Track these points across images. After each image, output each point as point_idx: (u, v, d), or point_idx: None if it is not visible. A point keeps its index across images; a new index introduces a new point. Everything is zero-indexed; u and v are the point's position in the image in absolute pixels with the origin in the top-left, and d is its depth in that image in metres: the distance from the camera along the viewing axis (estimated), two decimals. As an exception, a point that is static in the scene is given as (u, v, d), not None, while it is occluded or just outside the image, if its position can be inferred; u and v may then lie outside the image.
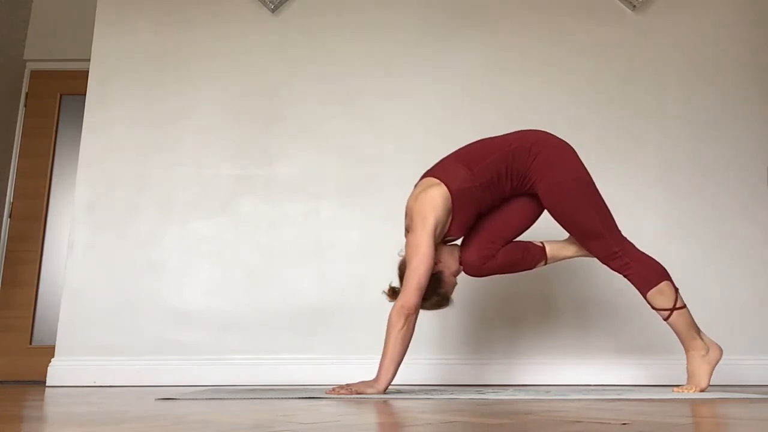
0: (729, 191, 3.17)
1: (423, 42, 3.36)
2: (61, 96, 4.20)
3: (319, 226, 3.15)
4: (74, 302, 3.03)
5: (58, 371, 2.94)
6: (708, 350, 2.20)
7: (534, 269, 2.33)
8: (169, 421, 1.14)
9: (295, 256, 3.11)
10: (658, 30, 3.36)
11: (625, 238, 2.21)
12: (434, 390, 2.28)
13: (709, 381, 2.18)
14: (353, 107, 3.28)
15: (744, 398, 1.82)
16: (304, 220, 3.16)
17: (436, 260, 2.12)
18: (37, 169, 4.10)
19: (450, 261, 2.23)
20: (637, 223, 3.06)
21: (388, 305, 2.12)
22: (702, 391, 2.15)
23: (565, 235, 2.31)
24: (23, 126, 4.16)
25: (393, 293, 2.20)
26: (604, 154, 3.17)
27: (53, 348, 3.01)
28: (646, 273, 2.18)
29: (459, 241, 2.32)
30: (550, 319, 3.04)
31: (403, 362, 2.07)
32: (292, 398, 1.83)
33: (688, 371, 2.21)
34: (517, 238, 2.30)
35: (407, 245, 2.14)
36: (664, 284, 2.17)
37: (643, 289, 2.19)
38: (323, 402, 1.67)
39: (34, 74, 4.23)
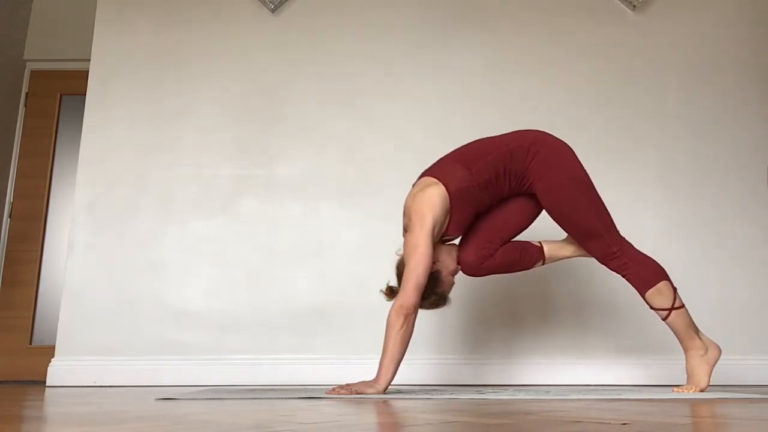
0: (729, 191, 3.17)
1: (423, 42, 3.36)
2: (61, 96, 4.20)
3: (319, 226, 3.15)
4: (74, 302, 3.03)
5: (58, 371, 2.94)
6: (707, 350, 2.20)
7: (532, 269, 2.34)
8: (169, 421, 1.14)
9: (295, 256, 3.11)
10: (658, 30, 3.36)
11: (624, 238, 2.21)
12: (434, 390, 2.28)
13: (709, 381, 2.18)
14: (353, 107, 3.29)
15: (744, 398, 1.82)
16: (304, 220, 3.16)
17: (434, 260, 2.12)
18: (37, 169, 4.10)
19: (448, 260, 2.23)
20: (637, 223, 3.06)
21: (388, 305, 2.13)
22: (702, 390, 2.15)
23: (564, 235, 2.31)
24: (23, 126, 4.16)
25: (391, 292, 2.20)
26: (604, 154, 3.17)
27: (53, 348, 3.01)
28: (645, 273, 2.18)
29: (457, 241, 2.33)
30: (549, 319, 3.04)
31: (402, 362, 2.08)
32: (292, 398, 1.83)
33: (687, 371, 2.21)
34: (516, 238, 2.30)
35: (405, 245, 2.14)
36: (662, 284, 2.18)
37: (642, 289, 2.19)
38: (323, 402, 1.67)
39: (34, 74, 4.23)
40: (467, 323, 3.04)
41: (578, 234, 2.21)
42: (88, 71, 3.33)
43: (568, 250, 2.30)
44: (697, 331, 2.21)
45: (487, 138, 2.29)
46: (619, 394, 1.93)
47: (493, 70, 3.33)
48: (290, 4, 3.42)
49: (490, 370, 2.96)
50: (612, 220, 2.21)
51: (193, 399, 1.78)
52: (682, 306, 2.19)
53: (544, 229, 2.37)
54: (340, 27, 3.38)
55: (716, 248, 3.11)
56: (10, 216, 4.06)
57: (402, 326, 2.03)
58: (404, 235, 2.20)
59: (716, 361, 2.20)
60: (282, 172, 3.22)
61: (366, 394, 1.98)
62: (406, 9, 3.41)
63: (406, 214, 2.19)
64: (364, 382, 2.06)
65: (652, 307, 2.21)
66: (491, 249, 2.22)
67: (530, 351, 3.00)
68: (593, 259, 2.27)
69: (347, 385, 2.05)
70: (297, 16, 3.40)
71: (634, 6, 3.36)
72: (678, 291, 2.21)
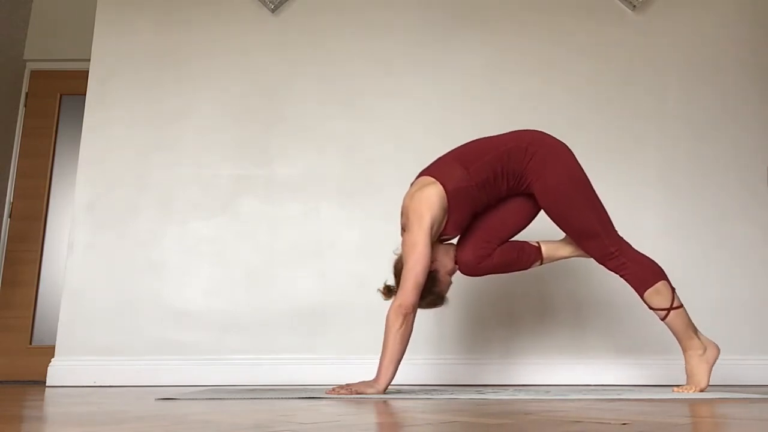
0: (729, 191, 3.17)
1: (423, 42, 3.36)
2: (61, 96, 4.20)
3: (319, 226, 3.15)
4: (74, 302, 3.03)
5: (58, 371, 2.94)
6: (705, 349, 2.20)
7: (529, 269, 2.34)
8: (169, 421, 1.14)
9: (295, 256, 3.11)
10: (658, 30, 3.36)
11: (622, 238, 2.21)
12: (434, 390, 2.28)
13: (709, 380, 2.18)
14: (353, 107, 3.29)
15: (744, 398, 1.82)
16: (304, 220, 3.16)
17: (431, 259, 2.12)
18: (37, 169, 4.10)
19: (445, 260, 2.23)
20: (637, 223, 3.06)
21: (387, 305, 2.12)
22: (702, 390, 2.15)
23: (561, 235, 2.31)
24: (23, 126, 4.16)
25: (388, 291, 2.21)
26: (604, 154, 3.18)
27: (53, 348, 3.01)
28: (643, 273, 2.18)
29: (455, 241, 2.33)
30: (548, 319, 3.04)
31: (401, 362, 2.08)
32: (292, 398, 1.83)
33: (686, 371, 2.21)
34: (514, 238, 2.30)
35: (404, 244, 2.14)
36: (660, 284, 2.17)
37: (640, 289, 2.19)
38: (323, 402, 1.67)
39: (34, 74, 4.23)
40: (465, 323, 3.04)
41: (576, 234, 2.21)
42: (88, 71, 3.33)
43: (566, 250, 2.30)
44: (695, 330, 2.21)
45: (485, 138, 2.29)
46: (619, 394, 1.93)
47: (493, 70, 3.33)
48: (290, 4, 3.42)
49: (488, 370, 2.96)
50: (610, 219, 2.21)
51: (193, 399, 1.78)
52: (681, 306, 2.19)
53: (542, 230, 2.37)
54: (340, 27, 3.39)
55: (716, 248, 3.11)
56: (10, 216, 4.06)
57: (401, 326, 2.03)
58: (402, 235, 2.20)
59: (715, 361, 2.20)
60: (282, 172, 3.22)
61: (366, 394, 1.98)
62: (406, 9, 3.41)
63: (404, 214, 2.19)
64: (364, 382, 2.06)
65: (650, 307, 2.21)
66: (489, 249, 2.22)
67: (528, 351, 3.00)
68: (591, 259, 2.27)
69: (347, 385, 2.05)
70: (297, 16, 3.40)
71: (634, 6, 3.36)
72: (676, 291, 2.21)
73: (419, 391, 2.22)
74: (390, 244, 2.39)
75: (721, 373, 2.62)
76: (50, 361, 2.98)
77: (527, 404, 1.53)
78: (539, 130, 2.30)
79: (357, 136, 3.25)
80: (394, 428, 1.08)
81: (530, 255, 2.28)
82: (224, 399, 1.78)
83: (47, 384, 2.93)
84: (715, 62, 3.32)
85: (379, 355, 2.07)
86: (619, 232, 2.23)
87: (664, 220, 3.14)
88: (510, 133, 2.28)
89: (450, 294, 2.31)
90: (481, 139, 2.29)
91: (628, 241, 2.24)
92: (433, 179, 2.16)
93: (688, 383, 2.20)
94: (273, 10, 3.39)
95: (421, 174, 2.25)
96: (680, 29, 3.36)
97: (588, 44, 3.34)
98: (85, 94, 3.31)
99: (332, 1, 3.42)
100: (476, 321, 3.04)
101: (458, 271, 2.28)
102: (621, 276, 2.21)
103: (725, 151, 3.21)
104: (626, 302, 2.80)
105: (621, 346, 2.99)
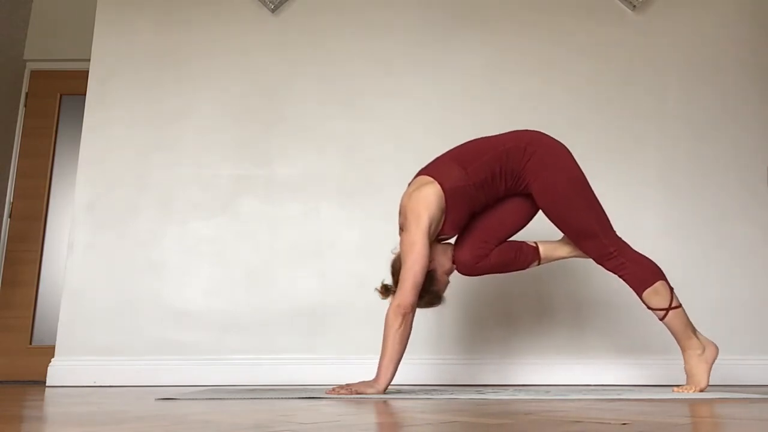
0: (729, 191, 3.17)
1: (423, 42, 3.36)
2: (61, 96, 4.20)
3: (319, 226, 3.15)
4: (74, 302, 3.03)
5: (58, 371, 2.94)
6: (704, 349, 2.20)
7: (527, 269, 2.34)
8: (169, 421, 1.14)
9: (295, 256, 3.11)
10: (658, 30, 3.36)
11: (620, 238, 2.21)
12: (434, 390, 2.28)
13: (708, 380, 2.18)
14: (353, 107, 3.29)
15: (744, 398, 1.82)
16: (304, 220, 3.16)
17: (429, 258, 2.12)
18: (37, 169, 4.10)
19: (443, 259, 2.23)
20: (637, 223, 3.06)
21: (387, 305, 2.12)
22: (702, 390, 2.15)
23: (559, 235, 2.31)
24: (23, 126, 4.16)
25: (385, 290, 2.21)
26: (604, 154, 3.18)
27: (53, 348, 3.01)
28: (642, 273, 2.18)
29: (452, 240, 2.33)
30: (546, 319, 3.04)
31: (401, 362, 2.08)
32: (292, 398, 1.83)
33: (686, 371, 2.21)
34: (511, 238, 2.30)
35: (402, 243, 2.15)
36: (659, 284, 2.17)
37: (639, 289, 2.19)
38: (323, 402, 1.67)
39: (34, 74, 4.23)
40: (464, 323, 3.04)
41: (575, 234, 2.21)
42: (88, 71, 3.33)
43: (564, 250, 2.30)
44: (694, 330, 2.21)
45: (483, 138, 2.29)
46: (619, 394, 1.93)
47: (493, 70, 3.33)
48: (290, 4, 3.42)
49: (487, 370, 2.96)
50: (608, 220, 2.20)
51: (193, 399, 1.78)
52: (680, 306, 2.19)
53: (540, 230, 2.37)
54: (340, 27, 3.38)
55: (716, 248, 3.11)
56: (10, 216, 4.06)
57: (400, 325, 2.03)
58: (400, 234, 2.20)
59: (714, 360, 2.20)
60: (282, 172, 3.22)
61: (366, 394, 1.98)
62: (406, 9, 3.41)
63: (402, 213, 2.19)
64: (364, 382, 2.06)
65: (649, 307, 2.21)
66: (487, 249, 2.22)
67: (527, 351, 3.00)
68: (590, 259, 2.27)
69: (347, 385, 2.06)
70: (297, 16, 3.40)
71: (634, 6, 3.36)
72: (675, 291, 2.21)
73: (419, 391, 2.22)
74: (390, 244, 2.39)
75: (721, 373, 2.62)
76: (50, 361, 2.98)
77: (527, 404, 1.53)
78: (538, 130, 2.30)
79: (357, 136, 3.25)
80: (394, 428, 1.08)
81: (528, 255, 2.28)
82: (224, 399, 1.78)
83: (47, 384, 2.93)
84: (715, 62, 3.32)
85: (379, 355, 2.07)
86: (619, 232, 2.23)
87: (664, 220, 3.14)
88: (509, 133, 2.28)
89: (448, 294, 2.31)
90: (479, 138, 2.29)
91: (628, 240, 2.24)
92: (430, 179, 2.16)
93: (687, 383, 2.20)
94: (273, 10, 3.39)
95: (419, 173, 2.25)
96: (680, 29, 3.36)
97: (588, 44, 3.34)
98: (85, 94, 3.31)
99: (332, 1, 3.42)
100: (475, 321, 3.04)
101: (456, 271, 2.28)
102: (619, 276, 2.21)
103: (725, 151, 3.21)
104: (625, 302, 2.80)
105: (620, 346, 2.99)
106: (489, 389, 2.35)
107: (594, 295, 3.03)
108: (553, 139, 2.25)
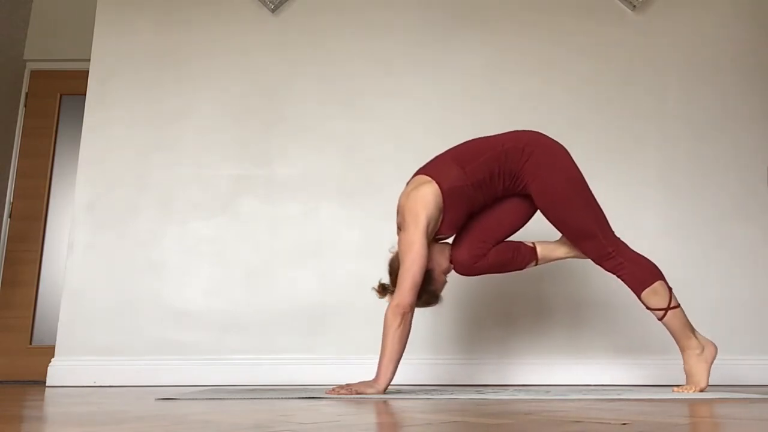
0: (729, 191, 3.17)
1: (423, 42, 3.36)
2: (61, 96, 4.20)
3: (319, 226, 3.15)
4: (74, 302, 3.03)
5: (58, 371, 2.94)
6: (703, 349, 2.20)
7: (525, 269, 2.33)
8: (169, 421, 1.14)
9: (295, 256, 3.11)
10: (658, 30, 3.36)
11: (618, 238, 2.21)
12: (434, 390, 2.28)
13: (708, 379, 2.18)
14: (353, 107, 3.29)
15: (744, 398, 1.82)
16: (304, 220, 3.16)
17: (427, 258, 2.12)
18: (37, 169, 4.10)
19: (441, 259, 2.23)
20: (637, 223, 3.06)
21: (387, 305, 2.12)
22: (702, 390, 2.15)
23: (557, 235, 2.31)
24: (23, 126, 4.16)
25: (382, 289, 2.21)
26: (604, 154, 3.18)
27: (53, 348, 3.01)
28: (641, 273, 2.18)
29: (450, 240, 2.33)
30: (545, 319, 3.04)
31: (401, 362, 2.08)
32: (292, 398, 1.83)
33: (685, 371, 2.21)
34: (509, 238, 2.30)
35: (400, 243, 2.15)
36: (658, 284, 2.18)
37: (638, 289, 2.19)
38: (323, 402, 1.67)
39: (34, 74, 4.23)
40: (462, 323, 3.04)
41: (573, 234, 2.21)
42: (88, 71, 3.33)
43: (562, 251, 2.30)
44: (693, 330, 2.21)
45: (482, 137, 2.29)
46: (618, 394, 1.93)
47: (493, 70, 3.33)
48: (290, 4, 3.42)
49: (485, 371, 2.96)
50: (607, 220, 2.21)
51: (193, 399, 1.78)
52: (678, 306, 2.20)
53: (538, 230, 2.37)
54: (340, 27, 3.38)
55: (716, 248, 3.11)
56: (10, 216, 4.06)
57: (399, 325, 2.03)
58: (398, 234, 2.20)
59: (713, 360, 2.21)
60: (282, 172, 3.22)
61: (366, 394, 1.98)
62: (406, 9, 3.41)
63: (400, 213, 2.19)
64: (364, 382, 2.06)
65: (648, 307, 2.22)
66: (484, 249, 2.22)
67: (526, 351, 3.00)
68: (588, 259, 2.27)
69: (347, 385, 2.06)
70: (297, 16, 3.40)
71: (634, 6, 3.36)
72: (674, 290, 2.21)
73: (419, 391, 2.22)
74: (390, 243, 2.39)
75: (721, 373, 2.62)
76: (50, 361, 2.98)
77: (527, 404, 1.53)
78: (536, 130, 2.30)
79: (357, 136, 3.25)
80: (394, 428, 1.08)
81: (525, 255, 2.28)
82: (224, 399, 1.78)
83: (47, 384, 2.93)
84: (715, 62, 3.32)
85: (379, 355, 2.07)
86: (619, 232, 2.23)
87: (664, 220, 3.14)
88: (507, 133, 2.28)
89: (447, 294, 2.31)
90: (478, 138, 2.29)
91: (628, 240, 2.24)
92: (428, 178, 2.16)
93: (687, 383, 2.20)
94: (273, 10, 3.39)
95: (417, 173, 2.25)
96: (680, 29, 3.36)
97: (588, 44, 3.34)
98: (85, 94, 3.31)
99: (332, 1, 3.42)
100: (474, 321, 3.04)
101: (453, 271, 2.28)
102: (618, 276, 2.21)
103: (725, 151, 3.21)
104: (623, 302, 2.80)
105: (619, 346, 2.98)
106: (489, 389, 2.35)
107: (593, 295, 3.03)
108: (552, 139, 2.25)
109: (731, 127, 3.24)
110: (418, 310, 2.16)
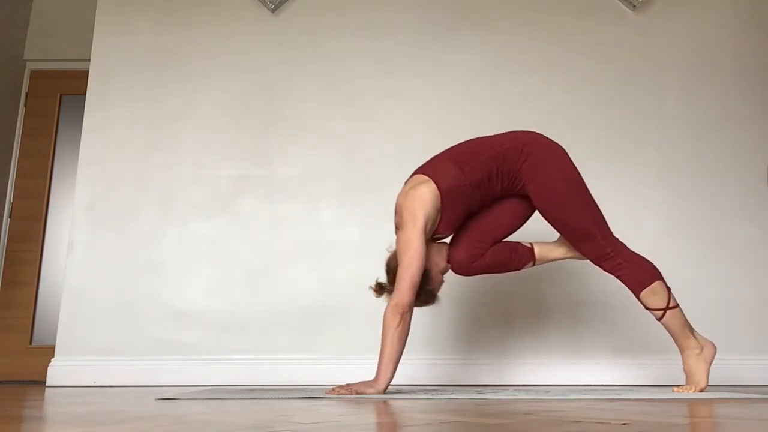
0: (729, 191, 3.17)
1: (423, 42, 3.36)
2: (61, 96, 4.20)
3: (319, 226, 3.15)
4: (74, 302, 3.03)
5: (58, 371, 2.94)
6: (702, 348, 2.20)
7: (522, 270, 2.33)
8: (169, 421, 1.14)
9: (295, 256, 3.11)
10: (658, 30, 3.36)
11: (617, 239, 2.21)
12: (434, 390, 2.28)
13: (708, 379, 2.18)
14: (353, 107, 3.29)
15: (744, 398, 1.82)
16: (304, 220, 3.16)
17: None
18: (37, 169, 4.10)
19: (438, 259, 2.23)
20: (637, 223, 3.06)
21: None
22: (701, 390, 2.15)
23: (555, 236, 2.31)
24: (23, 126, 4.16)
25: (379, 288, 2.21)
26: (604, 154, 3.18)
27: (53, 348, 3.01)
28: (640, 273, 2.18)
29: (448, 239, 2.32)
30: (544, 319, 3.04)
31: (400, 362, 2.08)
32: (292, 398, 1.83)
33: (685, 371, 2.21)
34: (507, 239, 2.30)
35: (398, 242, 2.15)
36: (656, 284, 2.18)
37: (637, 289, 2.19)
38: (323, 402, 1.67)
39: (34, 74, 4.23)
40: (461, 323, 3.04)
41: (572, 235, 2.21)
42: (88, 71, 3.33)
43: (559, 251, 2.30)
44: (691, 330, 2.21)
45: (481, 137, 2.29)
46: (619, 394, 1.93)
47: (493, 70, 3.32)
48: (290, 4, 3.42)
49: (484, 371, 2.96)
50: (605, 220, 2.20)
51: (193, 399, 1.78)
52: (677, 306, 2.20)
53: (536, 231, 2.37)
54: (340, 27, 3.38)
55: (716, 248, 3.11)
56: (10, 216, 4.06)
57: (398, 325, 2.03)
58: (396, 233, 2.20)
59: (713, 359, 2.21)
60: (282, 172, 3.22)
61: (366, 394, 1.98)
62: (406, 9, 3.41)
63: (398, 212, 2.19)
64: (363, 382, 2.06)
65: (646, 308, 2.22)
66: (482, 249, 2.22)
67: (525, 351, 2.99)
68: (586, 260, 2.27)
69: (347, 385, 2.06)
70: (297, 16, 3.40)
71: (634, 6, 3.36)
72: (674, 291, 2.21)
73: (419, 391, 2.22)
74: (390, 243, 2.39)
75: (721, 373, 2.62)
76: (50, 361, 2.98)
77: (527, 404, 1.53)
78: (535, 131, 2.30)
79: (357, 136, 3.25)
80: (394, 428, 1.08)
81: (523, 256, 2.28)
82: (224, 399, 1.78)
83: (47, 384, 2.93)
84: (715, 62, 3.32)
85: (378, 355, 2.07)
86: (619, 232, 2.24)
87: (664, 220, 3.14)
88: (506, 133, 2.28)
89: (445, 294, 2.31)
90: (476, 138, 2.29)
91: (628, 240, 2.24)
92: (426, 177, 2.16)
93: (687, 383, 2.20)
94: (273, 10, 3.39)
95: (416, 172, 2.25)
96: (680, 29, 3.36)
97: (588, 44, 3.34)
98: (85, 94, 3.31)
99: (332, 1, 3.42)
100: (472, 321, 3.04)
101: (451, 270, 2.28)
102: (617, 277, 2.21)
103: (725, 151, 3.21)
104: (622, 302, 2.80)
105: (618, 346, 2.98)
106: (489, 389, 2.35)
107: (591, 296, 3.03)
108: (550, 140, 2.25)
109: (731, 127, 3.24)
110: (417, 310, 2.16)
